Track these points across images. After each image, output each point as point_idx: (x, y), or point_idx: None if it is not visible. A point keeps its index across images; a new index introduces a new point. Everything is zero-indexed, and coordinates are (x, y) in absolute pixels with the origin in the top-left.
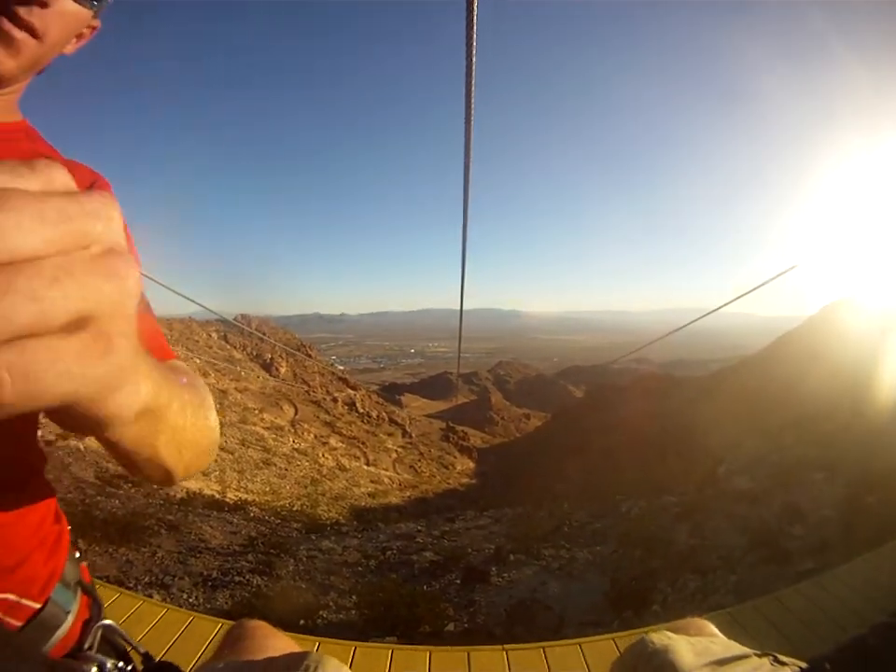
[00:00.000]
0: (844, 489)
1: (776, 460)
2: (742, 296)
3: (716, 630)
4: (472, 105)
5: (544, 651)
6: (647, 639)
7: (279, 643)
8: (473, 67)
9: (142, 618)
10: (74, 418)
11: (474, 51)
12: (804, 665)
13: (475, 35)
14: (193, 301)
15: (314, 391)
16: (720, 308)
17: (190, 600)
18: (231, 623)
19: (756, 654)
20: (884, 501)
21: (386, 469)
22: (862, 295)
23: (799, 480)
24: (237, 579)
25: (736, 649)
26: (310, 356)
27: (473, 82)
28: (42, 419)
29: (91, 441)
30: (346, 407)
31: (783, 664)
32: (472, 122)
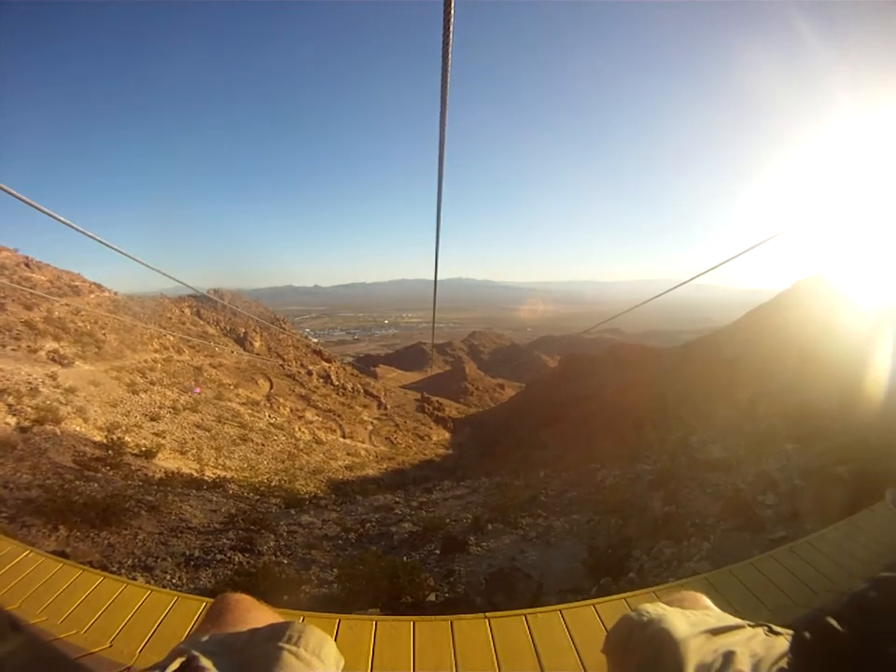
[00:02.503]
0: (815, 459)
1: (748, 430)
2: (721, 264)
3: (710, 603)
4: (448, 79)
5: (526, 619)
6: (642, 609)
7: (262, 615)
8: (450, 45)
9: (126, 601)
10: None
11: (451, 30)
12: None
13: (452, 23)
14: (167, 276)
15: (288, 364)
16: (694, 278)
17: (174, 581)
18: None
19: (750, 625)
20: (853, 472)
21: (363, 442)
22: (834, 271)
23: (771, 450)
24: (219, 557)
25: (730, 620)
26: (284, 329)
27: (449, 57)
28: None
29: (68, 426)
30: (321, 380)
31: (777, 633)
32: (447, 94)
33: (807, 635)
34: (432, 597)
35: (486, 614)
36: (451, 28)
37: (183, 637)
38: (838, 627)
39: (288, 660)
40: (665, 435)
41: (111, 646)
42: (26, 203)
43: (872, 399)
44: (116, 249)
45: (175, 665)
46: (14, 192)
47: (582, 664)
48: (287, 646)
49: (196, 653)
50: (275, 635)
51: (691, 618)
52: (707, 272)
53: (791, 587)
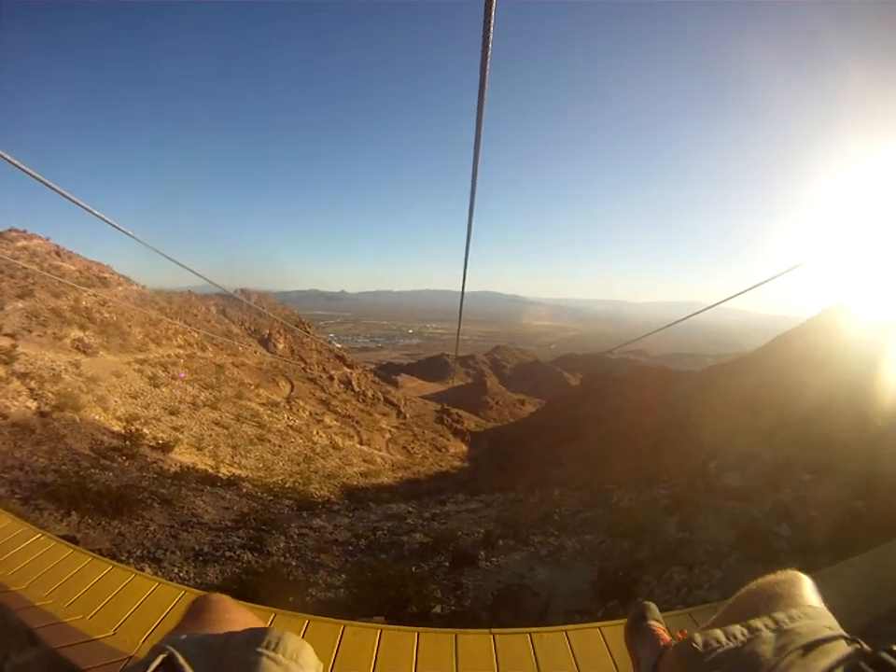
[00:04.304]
0: (833, 492)
1: (767, 459)
2: (751, 289)
3: (807, 591)
4: (485, 88)
5: (531, 637)
6: (710, 636)
7: (240, 617)
8: (488, 55)
9: (133, 592)
10: None
11: (491, 36)
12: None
13: (491, 30)
14: (194, 272)
15: (310, 368)
16: (722, 302)
17: (181, 574)
18: None
19: (846, 638)
20: (872, 507)
21: (380, 449)
22: (862, 300)
23: (789, 480)
24: (228, 554)
25: (823, 629)
26: (308, 332)
27: (487, 68)
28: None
29: (88, 414)
30: (342, 385)
31: (871, 655)
32: (484, 106)
33: (864, 665)
34: (438, 609)
35: (491, 630)
36: (490, 36)
37: None
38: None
39: (267, 665)
40: (683, 459)
41: (115, 634)
42: (59, 192)
43: (894, 433)
44: (145, 244)
45: (157, 661)
46: (49, 182)
47: None
48: (266, 651)
49: (174, 651)
50: (253, 640)
51: (782, 637)
52: (733, 297)
53: None
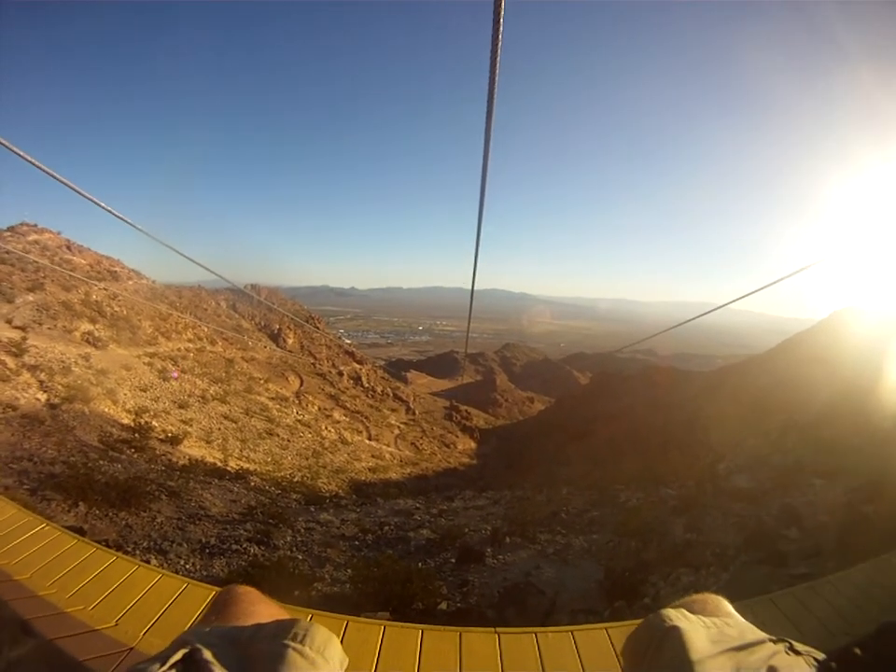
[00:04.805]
0: (842, 496)
1: (776, 462)
2: (760, 289)
3: (731, 609)
4: (496, 83)
5: (536, 637)
6: (663, 615)
7: (267, 610)
8: (498, 52)
9: (136, 583)
10: None
11: (500, 32)
12: (820, 655)
13: (501, 29)
14: (204, 267)
15: (320, 363)
16: (731, 303)
17: (187, 566)
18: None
19: (771, 640)
20: (881, 512)
21: (388, 445)
22: (873, 303)
23: (798, 483)
24: (234, 547)
25: (751, 633)
26: (318, 328)
27: (497, 64)
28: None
29: (97, 406)
30: (352, 381)
31: (798, 653)
32: (494, 100)
33: (833, 665)
34: (444, 606)
35: (497, 629)
36: (500, 33)
37: (188, 624)
38: (863, 655)
39: (293, 658)
40: (692, 460)
41: (116, 625)
42: (70, 187)
43: None
44: (156, 239)
45: (178, 655)
46: (60, 177)
47: None
48: (293, 643)
49: (199, 645)
50: (280, 632)
51: (712, 631)
52: (742, 297)
53: (808, 626)
